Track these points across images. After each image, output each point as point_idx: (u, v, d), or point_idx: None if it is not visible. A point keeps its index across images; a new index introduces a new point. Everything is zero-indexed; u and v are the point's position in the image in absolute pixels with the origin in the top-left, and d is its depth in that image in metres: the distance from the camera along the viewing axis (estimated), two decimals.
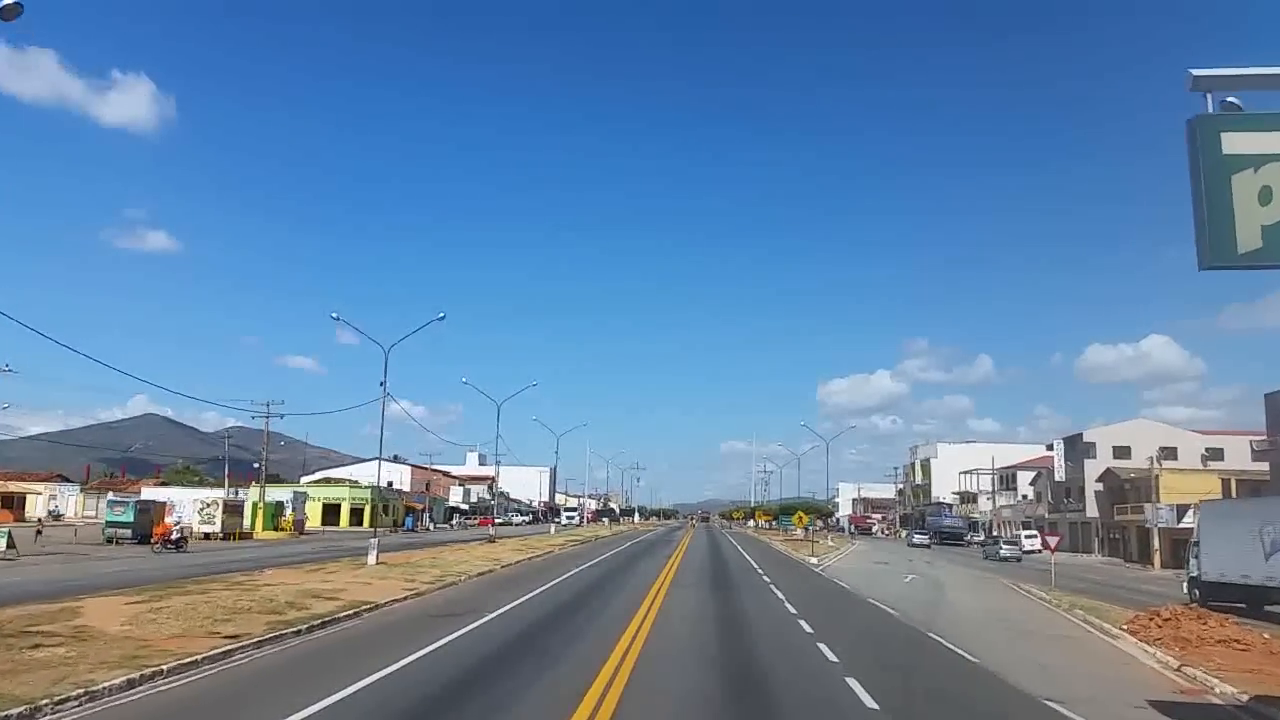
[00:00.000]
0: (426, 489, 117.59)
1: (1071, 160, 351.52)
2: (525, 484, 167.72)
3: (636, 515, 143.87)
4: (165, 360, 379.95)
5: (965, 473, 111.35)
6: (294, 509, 66.38)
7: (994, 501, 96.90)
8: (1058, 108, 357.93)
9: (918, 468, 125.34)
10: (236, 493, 63.51)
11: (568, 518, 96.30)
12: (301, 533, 65.26)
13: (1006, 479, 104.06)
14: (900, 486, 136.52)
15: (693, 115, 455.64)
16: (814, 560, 44.17)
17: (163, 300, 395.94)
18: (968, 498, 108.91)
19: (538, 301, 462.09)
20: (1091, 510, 73.14)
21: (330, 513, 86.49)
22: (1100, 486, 72.76)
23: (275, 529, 62.38)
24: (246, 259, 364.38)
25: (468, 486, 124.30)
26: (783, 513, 78.58)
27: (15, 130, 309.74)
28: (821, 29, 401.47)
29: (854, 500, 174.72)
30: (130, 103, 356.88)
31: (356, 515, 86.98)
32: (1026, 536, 76.81)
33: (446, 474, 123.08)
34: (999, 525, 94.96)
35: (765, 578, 30.95)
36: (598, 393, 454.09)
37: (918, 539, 78.26)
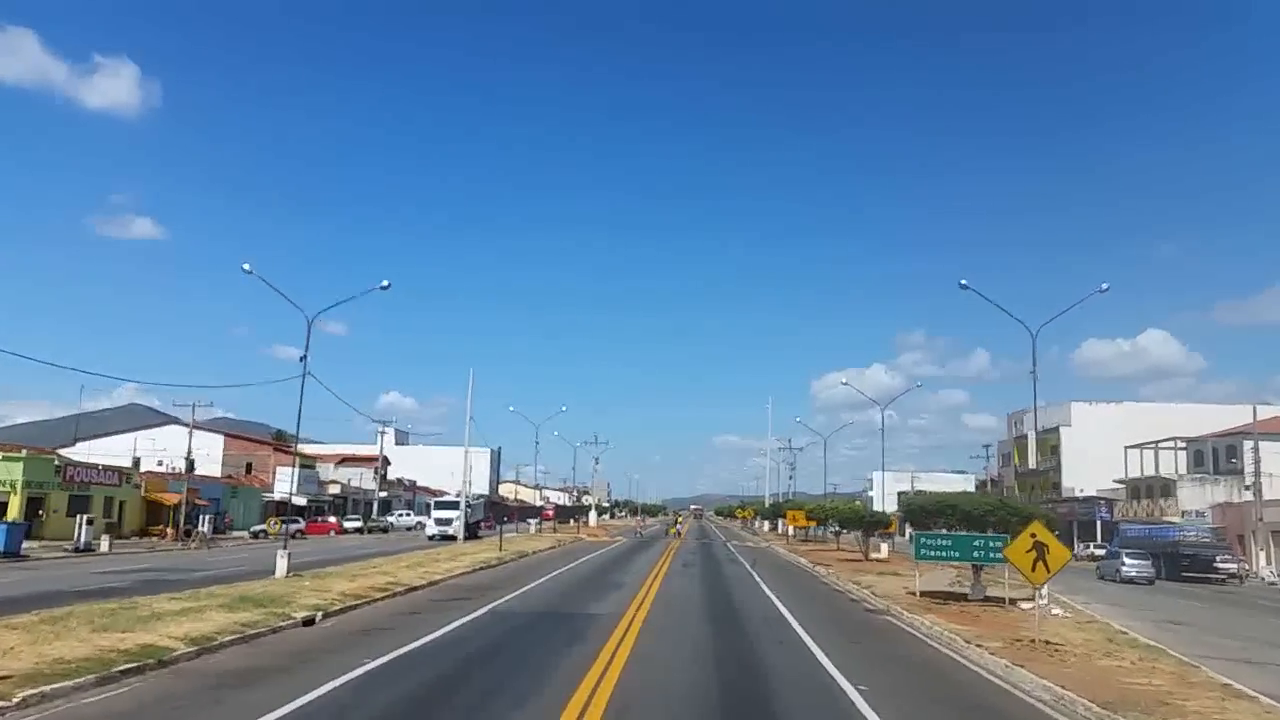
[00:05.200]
0: (247, 470, 72.70)
1: (1068, 154, 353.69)
2: (454, 469, 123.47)
3: (594, 515, 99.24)
4: (153, 350, 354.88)
5: (1137, 448, 66.95)
6: None
7: (1257, 494, 52.10)
8: (1055, 103, 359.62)
9: (1031, 445, 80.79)
10: None
11: (439, 525, 51.19)
12: None
13: (1216, 456, 59.87)
14: (992, 475, 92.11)
15: (688, 111, 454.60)
16: None
17: (149, 289, 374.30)
18: (1145, 489, 64.50)
19: (528, 295, 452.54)
20: None
21: None
22: None
23: None
24: (234, 248, 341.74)
25: (316, 467, 79.26)
26: (921, 515, 28.97)
27: None
28: (819, 23, 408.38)
29: (900, 495, 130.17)
30: (113, 87, 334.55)
31: None
32: None
33: (288, 450, 78.08)
34: (1245, 538, 50.65)
35: None
36: (588, 387, 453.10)
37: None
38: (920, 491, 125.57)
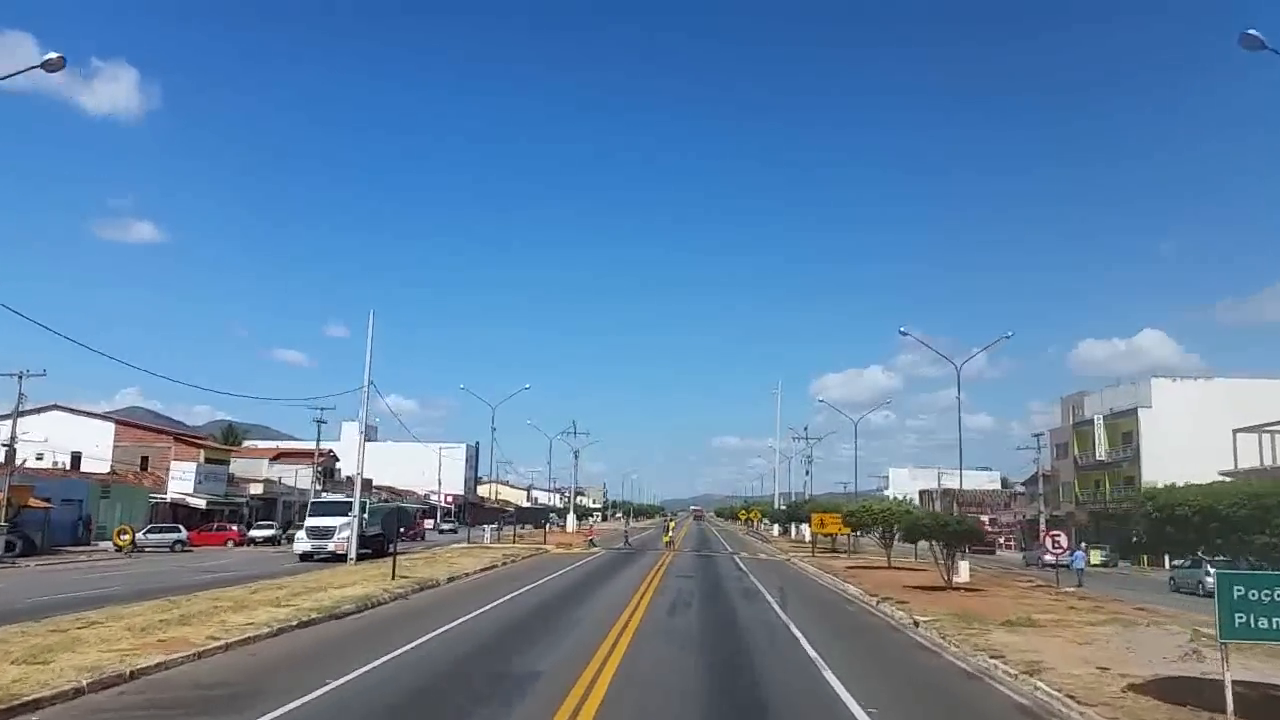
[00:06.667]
0: (142, 466, 59.16)
1: (1065, 155, 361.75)
2: (421, 467, 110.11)
3: (572, 519, 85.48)
4: (153, 354, 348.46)
5: (1252, 431, 53.27)
6: None
7: None
8: (1051, 105, 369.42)
9: (1100, 431, 67.01)
10: None
11: (314, 538, 35.25)
12: None
13: None
14: (1045, 470, 78.09)
15: (689, 111, 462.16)
16: None
17: (150, 292, 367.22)
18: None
19: (528, 296, 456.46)
20: None
21: None
22: None
23: None
24: (235, 251, 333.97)
25: (231, 462, 65.36)
26: (1183, 529, 17.67)
27: None
28: (822, 25, 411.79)
29: (923, 494, 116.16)
30: (113, 90, 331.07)
31: None
32: None
33: (195, 442, 64.21)
34: None
35: None
36: (586, 388, 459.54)
37: None
38: (949, 490, 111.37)
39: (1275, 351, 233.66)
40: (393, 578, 25.38)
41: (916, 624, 19.83)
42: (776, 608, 21.99)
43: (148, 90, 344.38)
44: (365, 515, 32.86)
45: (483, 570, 31.53)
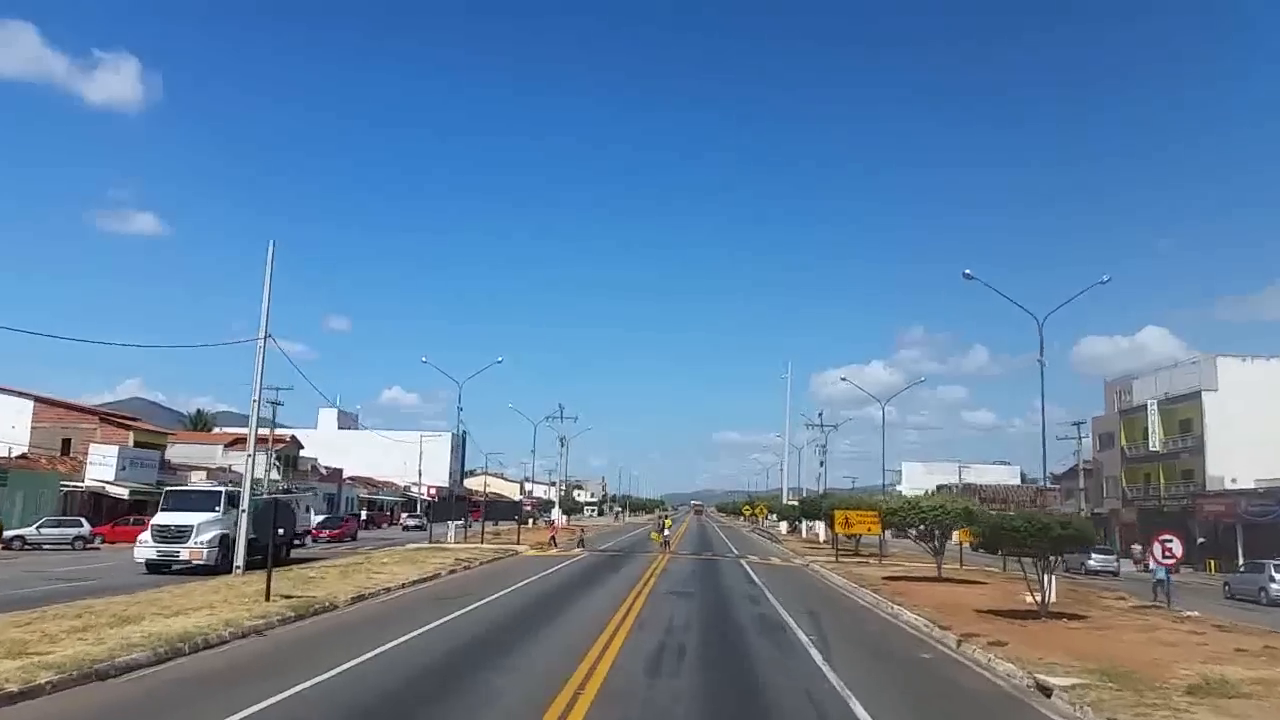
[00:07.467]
0: (64, 449, 51.91)
1: (1064, 152, 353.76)
2: (404, 457, 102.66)
3: (558, 513, 77.43)
4: (155, 344, 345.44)
5: None
6: None
7: None
8: (1052, 97, 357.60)
9: (1154, 418, 59.11)
10: None
11: (162, 541, 26.05)
12: None
13: None
14: (1084, 463, 70.44)
15: (690, 105, 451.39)
16: None
17: (151, 284, 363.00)
18: None
19: (526, 288, 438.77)
20: None
21: None
22: None
23: None
24: (235, 243, 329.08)
25: (167, 447, 57.68)
26: None
27: None
28: (824, 21, 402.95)
29: (940, 489, 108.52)
30: (115, 81, 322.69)
31: None
32: None
33: (124, 423, 56.47)
34: None
35: None
36: (585, 381, 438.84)
37: None
38: (970, 485, 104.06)
39: (1278, 350, 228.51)
40: (266, 599, 17.94)
41: (1047, 691, 12.33)
42: (817, 656, 14.47)
43: (150, 81, 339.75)
44: (242, 510, 24.88)
45: (418, 582, 24.04)
